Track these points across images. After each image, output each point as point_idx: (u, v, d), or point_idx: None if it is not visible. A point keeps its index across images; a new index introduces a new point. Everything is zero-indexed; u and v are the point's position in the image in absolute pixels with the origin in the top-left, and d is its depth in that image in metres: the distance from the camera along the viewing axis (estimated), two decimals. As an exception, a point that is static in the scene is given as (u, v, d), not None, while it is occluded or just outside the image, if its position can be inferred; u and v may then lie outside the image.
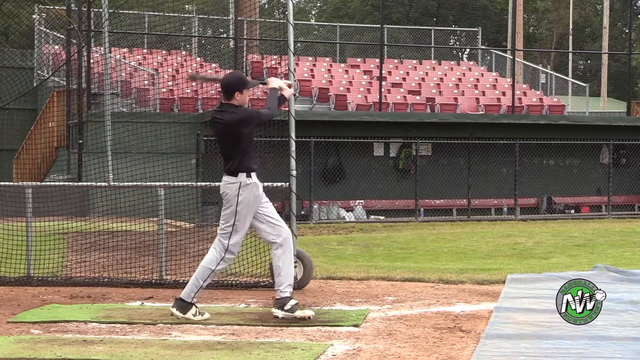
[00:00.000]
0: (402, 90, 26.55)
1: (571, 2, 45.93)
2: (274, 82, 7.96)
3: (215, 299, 8.96)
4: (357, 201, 23.53)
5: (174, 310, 7.73)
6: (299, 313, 7.54)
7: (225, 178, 7.66)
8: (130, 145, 16.93)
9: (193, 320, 7.64)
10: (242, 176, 7.59)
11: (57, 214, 12.71)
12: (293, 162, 9.63)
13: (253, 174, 7.65)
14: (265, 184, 10.15)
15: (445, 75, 29.00)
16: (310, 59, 29.20)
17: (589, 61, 60.10)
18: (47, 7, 22.70)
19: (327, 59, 29.41)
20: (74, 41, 21.20)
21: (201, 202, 19.59)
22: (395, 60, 29.99)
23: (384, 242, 16.28)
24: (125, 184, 11.08)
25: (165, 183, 10.48)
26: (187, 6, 33.59)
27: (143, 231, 12.43)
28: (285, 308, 7.56)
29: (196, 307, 7.74)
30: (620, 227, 19.83)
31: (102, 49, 15.68)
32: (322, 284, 10.01)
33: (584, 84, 30.89)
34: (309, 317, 7.54)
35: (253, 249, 10.38)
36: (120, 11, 20.42)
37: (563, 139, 24.32)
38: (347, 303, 8.72)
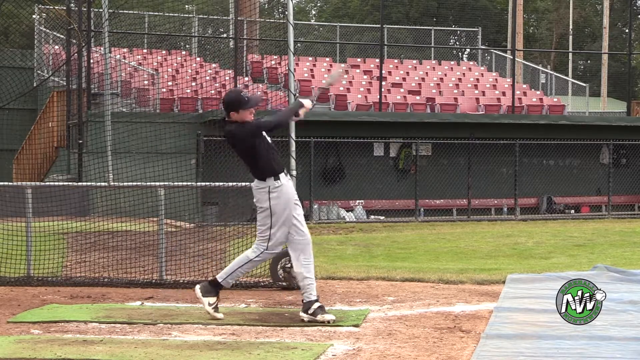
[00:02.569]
0: (402, 90, 26.53)
1: (571, 2, 45.89)
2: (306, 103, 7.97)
3: (215, 299, 8.95)
4: (357, 201, 23.51)
5: (197, 289, 7.86)
6: (319, 317, 7.66)
7: (255, 183, 7.78)
8: (130, 145, 16.92)
9: (204, 309, 7.77)
10: (269, 180, 7.69)
11: (57, 214, 12.71)
12: (293, 162, 9.64)
13: (281, 176, 7.74)
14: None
15: (445, 75, 28.98)
16: (310, 59, 29.19)
17: (589, 61, 60.04)
18: (47, 7, 22.69)
19: (327, 59, 29.39)
20: (74, 41, 21.19)
21: (201, 202, 19.58)
22: (395, 60, 29.97)
23: (384, 242, 16.27)
24: (125, 184, 11.08)
25: (165, 183, 10.48)
26: (187, 6, 33.63)
27: (143, 231, 12.43)
28: (309, 312, 7.69)
29: (218, 299, 7.84)
30: (620, 227, 19.82)
31: (102, 49, 15.67)
32: (322, 284, 9.99)
33: (584, 84, 30.86)
34: (329, 321, 7.62)
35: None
36: (120, 11, 20.42)
37: (563, 139, 24.32)
38: (347, 303, 8.72)
